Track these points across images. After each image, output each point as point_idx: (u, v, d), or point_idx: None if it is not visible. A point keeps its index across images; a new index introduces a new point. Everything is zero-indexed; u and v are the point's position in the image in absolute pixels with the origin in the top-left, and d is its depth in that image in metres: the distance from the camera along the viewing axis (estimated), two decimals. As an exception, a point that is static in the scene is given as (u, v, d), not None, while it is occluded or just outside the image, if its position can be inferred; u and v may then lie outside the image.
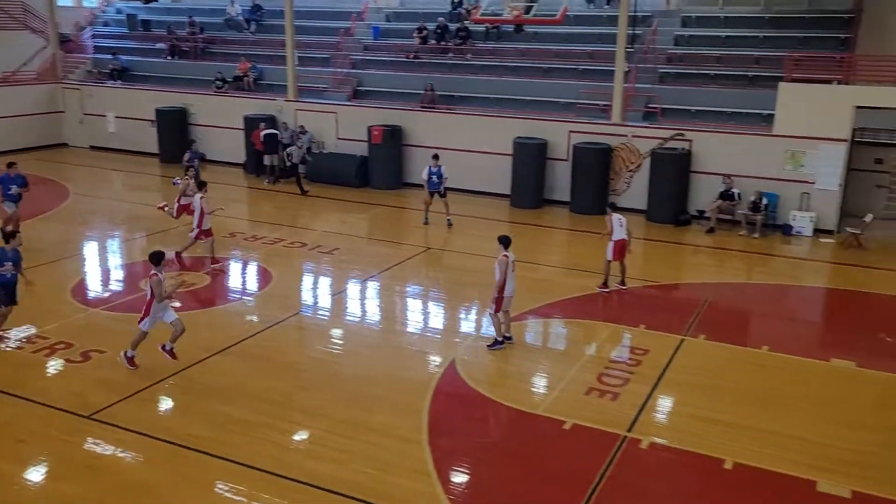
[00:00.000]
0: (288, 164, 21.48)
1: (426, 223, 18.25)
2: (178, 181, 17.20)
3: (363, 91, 24.65)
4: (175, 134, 25.40)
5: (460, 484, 8.30)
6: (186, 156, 20.91)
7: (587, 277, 14.41)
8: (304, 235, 17.58)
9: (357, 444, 8.87)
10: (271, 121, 23.49)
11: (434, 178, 18.25)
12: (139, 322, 10.43)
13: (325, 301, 13.99)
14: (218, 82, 26.14)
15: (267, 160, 22.79)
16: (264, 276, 14.88)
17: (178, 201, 16.52)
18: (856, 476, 8.38)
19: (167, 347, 10.59)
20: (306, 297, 14.29)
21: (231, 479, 8.24)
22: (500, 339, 11.43)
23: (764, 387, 10.49)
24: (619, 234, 13.61)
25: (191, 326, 11.96)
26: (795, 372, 11.00)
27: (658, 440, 9.05)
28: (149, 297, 10.31)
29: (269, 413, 9.56)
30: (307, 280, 15.19)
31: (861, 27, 20.27)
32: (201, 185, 15.27)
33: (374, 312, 13.55)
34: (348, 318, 13.18)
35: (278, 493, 8.01)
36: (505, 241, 11.37)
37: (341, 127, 23.15)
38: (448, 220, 18.14)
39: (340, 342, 12.17)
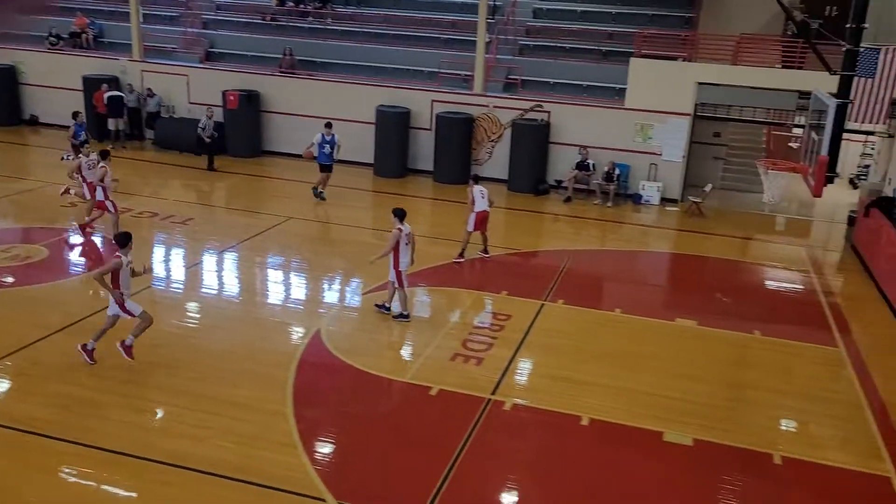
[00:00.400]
0: (207, 139, 19.74)
1: (321, 198, 17.39)
2: (67, 157, 15.52)
3: (216, 53, 23.52)
4: (3, 94, 23.29)
5: (327, 454, 8.21)
6: (71, 130, 18.33)
7: (451, 246, 14.53)
8: (154, 205, 16.60)
9: (218, 420, 8.56)
10: (115, 82, 21.96)
11: (327, 147, 17.14)
12: (121, 311, 9.48)
13: (179, 274, 13.32)
14: (52, 38, 24.04)
15: (111, 124, 21.34)
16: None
17: (84, 181, 14.62)
18: (697, 425, 9.01)
19: (128, 343, 9.60)
20: (158, 269, 13.50)
21: (78, 463, 7.72)
22: (405, 312, 11.36)
23: (616, 347, 11.05)
24: (481, 205, 13.79)
25: (28, 303, 11.16)
26: (644, 332, 11.65)
27: (520, 401, 9.33)
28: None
29: (121, 392, 9.03)
30: (159, 252, 14.38)
31: (703, 7, 21.52)
32: (105, 155, 14.25)
33: (233, 284, 13.06)
34: (206, 290, 12.61)
35: (132, 474, 7.60)
36: (399, 214, 11.19)
37: (193, 91, 21.99)
38: (321, 192, 17.44)
39: (198, 316, 11.64)
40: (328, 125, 17.51)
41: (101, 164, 14.04)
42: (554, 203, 18.59)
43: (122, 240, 9.56)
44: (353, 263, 13.40)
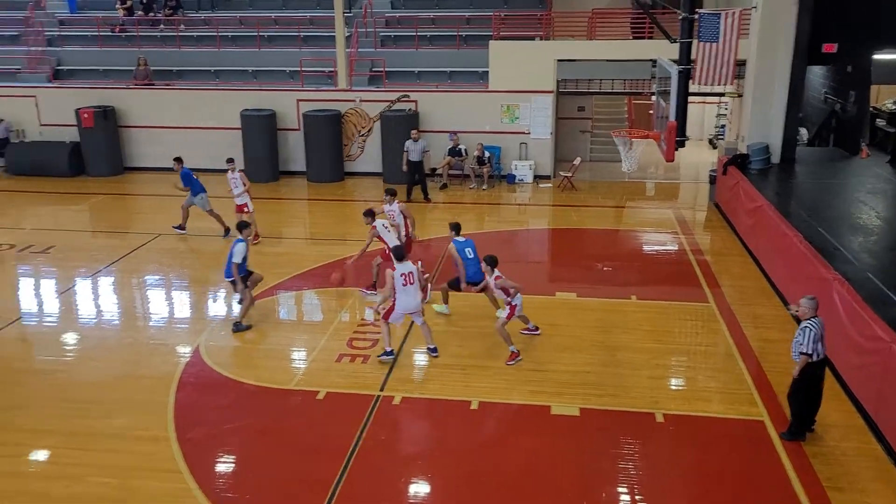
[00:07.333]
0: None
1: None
2: None
3: (65, 71, 22.25)
4: None
5: (215, 474, 7.93)
6: None
7: (330, 245, 14.37)
8: (9, 236, 15.57)
9: (94, 455, 8.14)
10: (-46, 110, 20.44)
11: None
12: None
13: (45, 305, 12.52)
14: None
15: (-48, 156, 19.85)
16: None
17: None
18: (582, 395, 9.29)
19: None
20: (21, 303, 12.66)
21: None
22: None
23: (500, 327, 11.21)
24: (392, 240, 11.80)
25: None
26: (526, 309, 11.79)
27: (409, 394, 9.34)
28: None
29: (-15, 440, 8.44)
30: (21, 284, 13.48)
31: (555, -14, 22.13)
32: None
33: (104, 310, 12.38)
34: (76, 319, 11.91)
35: (6, 526, 7.14)
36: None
37: (44, 112, 20.76)
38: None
39: (68, 347, 10.98)
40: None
41: None
42: (430, 191, 18.61)
43: None
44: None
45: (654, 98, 21.31)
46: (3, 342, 10.94)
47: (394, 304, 9.94)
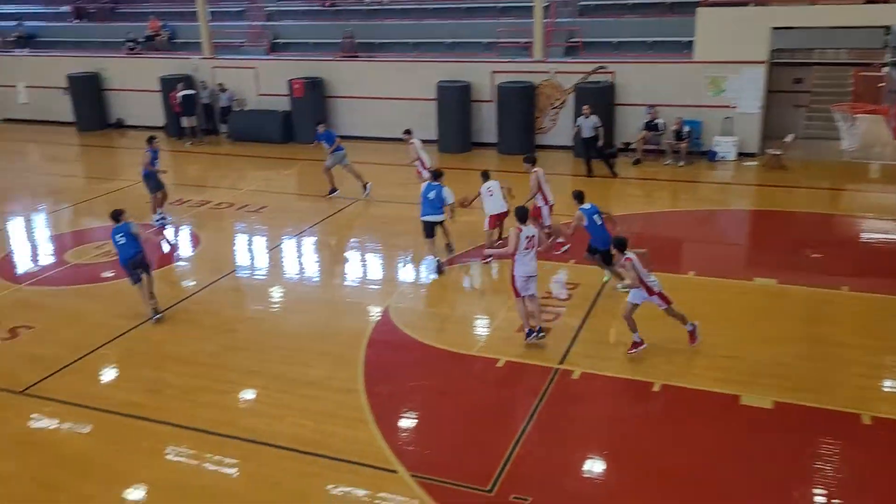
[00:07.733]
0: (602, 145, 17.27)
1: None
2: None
3: (281, 44, 23.98)
4: (90, 100, 24.50)
5: (398, 428, 8.34)
6: (147, 157, 15.02)
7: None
8: (230, 196, 17.17)
9: (293, 399, 8.85)
10: (188, 80, 22.68)
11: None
12: None
13: (256, 260, 13.75)
14: (130, 44, 25.05)
15: (185, 122, 22.09)
16: (193, 239, 14.58)
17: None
18: (776, 387, 8.68)
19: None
20: (237, 257, 14.02)
21: (170, 442, 8.16)
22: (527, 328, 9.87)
23: (689, 310, 10.62)
24: (497, 206, 12.65)
25: (117, 295, 11.79)
26: (720, 293, 11.27)
27: (589, 370, 9.23)
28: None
29: (204, 375, 9.45)
30: (238, 240, 14.91)
31: (774, -52, 20.42)
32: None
33: (308, 267, 13.43)
34: (281, 274, 12.99)
35: (218, 451, 7.97)
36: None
37: (261, 82, 22.51)
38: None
39: (274, 299, 12.02)
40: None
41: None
42: (623, 166, 18.05)
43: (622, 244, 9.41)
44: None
45: (885, 70, 19.21)
46: (220, 291, 12.12)
47: (515, 279, 9.66)
